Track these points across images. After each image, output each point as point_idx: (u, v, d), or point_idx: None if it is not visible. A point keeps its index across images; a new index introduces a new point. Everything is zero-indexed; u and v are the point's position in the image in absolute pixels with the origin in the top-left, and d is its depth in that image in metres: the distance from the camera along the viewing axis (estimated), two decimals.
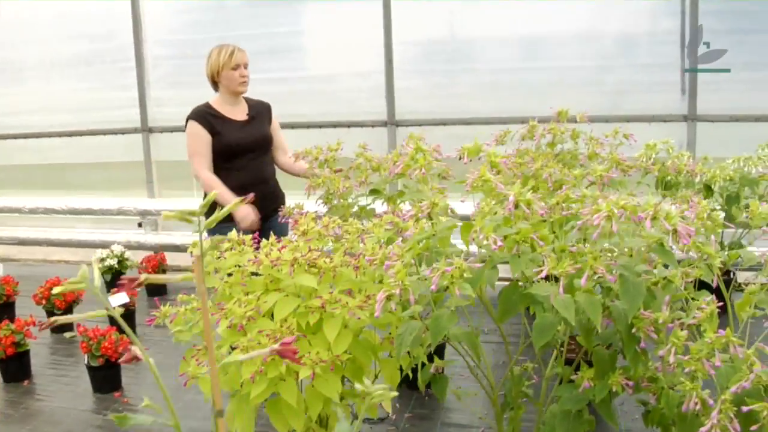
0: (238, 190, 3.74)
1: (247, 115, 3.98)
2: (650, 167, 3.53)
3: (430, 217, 1.88)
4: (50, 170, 7.17)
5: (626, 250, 1.77)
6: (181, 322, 2.35)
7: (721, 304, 1.87)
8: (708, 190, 4.33)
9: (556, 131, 3.29)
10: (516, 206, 1.79)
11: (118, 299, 4.79)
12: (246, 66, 3.91)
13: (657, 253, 1.66)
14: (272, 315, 2.21)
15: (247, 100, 4.06)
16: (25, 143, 6.92)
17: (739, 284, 4.68)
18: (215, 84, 3.94)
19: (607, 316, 1.86)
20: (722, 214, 4.47)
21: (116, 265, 5.85)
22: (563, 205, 2.28)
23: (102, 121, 6.69)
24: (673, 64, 5.24)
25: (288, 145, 4.17)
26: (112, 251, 5.89)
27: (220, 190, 3.65)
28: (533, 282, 1.86)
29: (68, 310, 5.12)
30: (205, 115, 3.87)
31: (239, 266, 2.34)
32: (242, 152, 3.88)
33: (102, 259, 5.85)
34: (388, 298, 1.72)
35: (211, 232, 3.67)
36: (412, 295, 1.71)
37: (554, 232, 2.18)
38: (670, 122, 5.27)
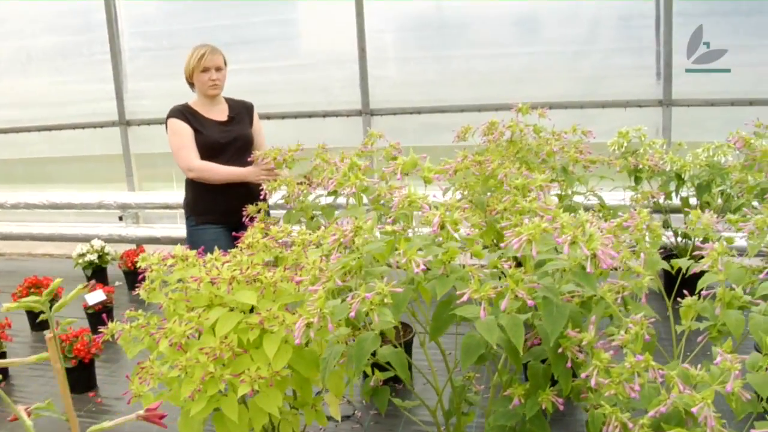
0: (217, 190, 3.83)
1: (228, 115, 3.94)
2: (612, 161, 3.48)
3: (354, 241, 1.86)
4: (31, 165, 7.15)
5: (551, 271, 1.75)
6: (127, 339, 2.34)
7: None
8: (679, 179, 4.31)
9: (515, 128, 3.25)
10: (442, 227, 1.77)
11: (95, 297, 4.80)
12: (218, 69, 3.84)
13: (577, 278, 1.64)
14: None
15: (228, 100, 4.01)
16: (5, 138, 6.89)
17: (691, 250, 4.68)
18: (190, 84, 3.92)
19: (535, 335, 1.86)
20: (695, 201, 4.52)
21: (97, 261, 5.85)
22: (507, 214, 2.27)
23: (80, 114, 6.65)
24: (649, 48, 5.19)
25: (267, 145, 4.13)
26: (92, 246, 5.88)
27: (222, 170, 3.78)
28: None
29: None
30: (185, 113, 3.84)
31: (183, 281, 2.34)
32: (222, 151, 3.84)
33: (82, 255, 5.85)
34: (308, 325, 1.71)
35: (198, 225, 3.94)
36: (330, 323, 1.69)
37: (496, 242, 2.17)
38: (645, 107, 5.22)
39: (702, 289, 2.01)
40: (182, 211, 6.25)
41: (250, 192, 3.77)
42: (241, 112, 4.03)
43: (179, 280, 2.39)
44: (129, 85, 6.42)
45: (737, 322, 1.88)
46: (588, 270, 1.60)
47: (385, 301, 1.68)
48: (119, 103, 6.40)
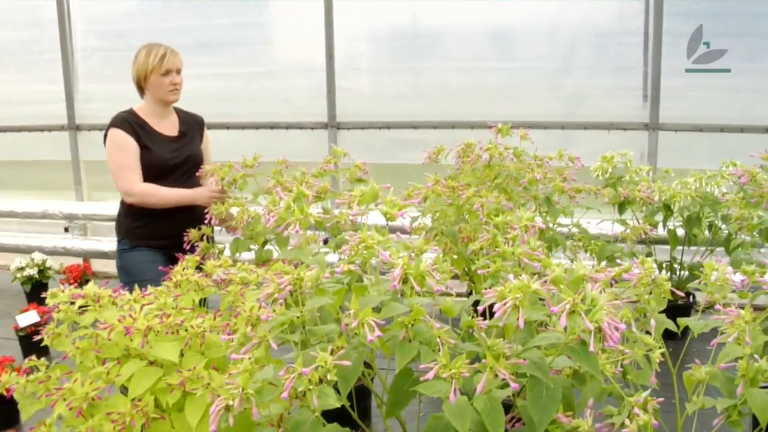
0: (160, 213, 3.37)
1: (179, 130, 3.50)
2: (600, 191, 3.13)
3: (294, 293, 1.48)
4: None
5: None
6: (23, 395, 1.94)
7: None
8: (667, 209, 4.00)
9: (494, 151, 2.90)
10: (404, 281, 1.40)
11: (27, 318, 4.38)
12: (179, 71, 3.41)
13: (575, 356, 1.28)
14: None
15: (179, 111, 3.58)
16: None
17: (703, 307, 4.38)
18: (141, 89, 3.44)
19: (516, 417, 1.50)
20: (682, 232, 4.21)
21: (37, 275, 5.40)
22: (484, 257, 1.91)
23: (28, 116, 6.18)
24: (636, 68, 4.87)
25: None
26: (32, 260, 5.43)
27: (168, 194, 3.34)
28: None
29: None
30: (132, 124, 3.35)
31: (93, 327, 1.95)
32: (170, 172, 3.40)
33: (21, 268, 5.40)
34: (227, 408, 1.32)
35: (132, 248, 3.45)
36: (255, 408, 1.31)
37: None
38: (630, 130, 4.91)
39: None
40: None
41: (196, 216, 3.34)
42: (193, 127, 3.60)
43: (95, 323, 2.00)
44: (81, 86, 5.97)
45: (764, 404, 1.53)
46: (590, 348, 1.24)
47: (329, 377, 1.31)
48: (69, 106, 5.95)
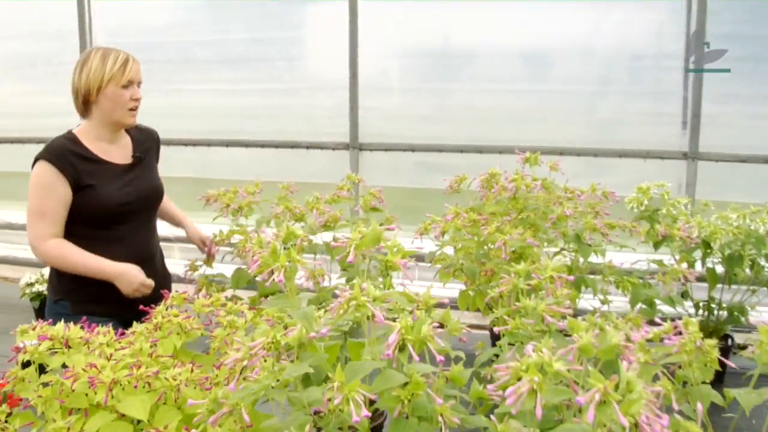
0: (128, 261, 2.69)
1: (133, 156, 2.79)
2: (635, 230, 2.87)
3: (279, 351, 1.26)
4: None
5: None
6: None
7: None
8: (707, 247, 3.72)
9: (520, 183, 2.65)
10: (401, 348, 1.17)
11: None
12: (139, 85, 2.74)
13: None
14: None
15: (131, 129, 2.85)
16: None
17: (739, 346, 4.08)
18: (86, 105, 2.71)
19: None
20: (720, 269, 3.92)
21: (46, 292, 5.23)
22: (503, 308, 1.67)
23: (49, 128, 5.98)
24: (675, 93, 4.58)
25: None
26: (41, 275, 5.27)
27: (81, 261, 2.59)
28: None
29: None
30: (67, 156, 2.62)
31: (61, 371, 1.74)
32: (124, 216, 2.71)
33: (30, 284, 5.24)
34: None
35: (73, 315, 2.42)
36: None
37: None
38: (667, 159, 4.62)
39: None
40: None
41: (159, 272, 2.82)
42: (150, 148, 2.90)
43: (64, 367, 1.79)
44: None
45: None
46: None
47: None
48: None
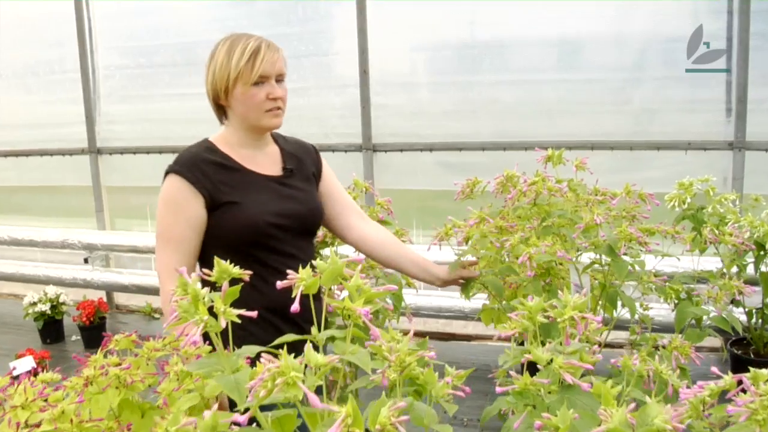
0: (270, 313, 1.99)
1: (283, 167, 2.21)
2: (680, 235, 2.46)
3: None
4: None
5: None
6: None
7: None
8: (761, 248, 3.30)
9: (540, 188, 2.27)
10: None
11: (24, 364, 3.97)
12: (281, 78, 2.11)
13: None
14: None
15: (277, 138, 2.29)
16: None
17: None
18: (221, 109, 2.16)
19: None
20: None
21: (49, 312, 4.99)
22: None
23: (52, 139, 5.81)
24: (717, 78, 4.16)
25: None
26: (45, 294, 5.03)
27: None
28: None
29: None
30: (200, 165, 2.07)
31: None
32: (273, 237, 2.10)
33: (33, 304, 5.00)
34: None
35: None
36: None
37: None
38: (711, 150, 4.18)
39: None
40: (153, 256, 5.38)
41: (320, 307, 1.99)
42: (305, 161, 2.30)
43: None
44: (102, 107, 5.55)
45: None
46: None
47: None
48: (89, 128, 5.53)
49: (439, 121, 4.71)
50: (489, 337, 4.64)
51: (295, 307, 1.11)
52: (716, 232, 2.73)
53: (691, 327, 2.58)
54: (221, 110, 2.15)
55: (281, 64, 2.08)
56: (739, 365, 3.67)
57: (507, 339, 1.35)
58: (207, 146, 2.12)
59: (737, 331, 2.59)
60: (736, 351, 3.66)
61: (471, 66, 4.66)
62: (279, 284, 1.18)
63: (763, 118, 4.09)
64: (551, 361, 1.14)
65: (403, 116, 4.79)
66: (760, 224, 3.19)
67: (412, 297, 3.96)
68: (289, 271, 1.17)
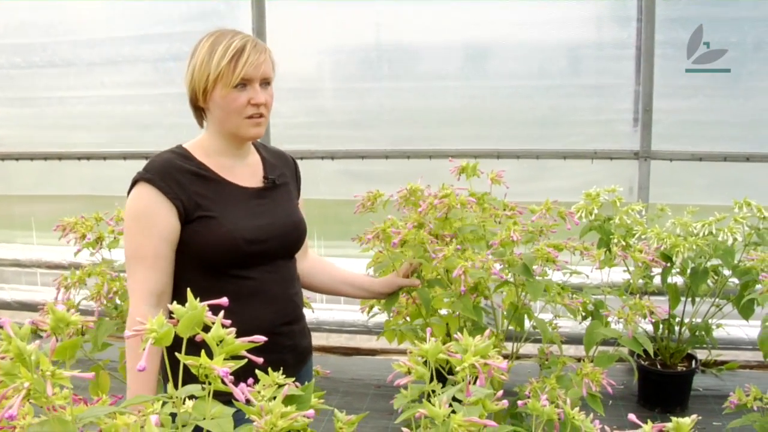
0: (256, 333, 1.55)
1: (264, 177, 1.98)
2: (590, 251, 2.33)
3: None
4: None
5: None
6: None
7: None
8: (667, 260, 3.25)
9: (452, 202, 2.09)
10: None
11: None
12: (267, 82, 1.86)
13: None
14: None
15: (259, 147, 2.05)
16: None
17: (703, 363, 3.61)
18: (199, 111, 1.92)
19: None
20: (680, 280, 3.46)
21: None
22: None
23: None
24: (625, 86, 4.10)
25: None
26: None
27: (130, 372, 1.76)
28: None
29: None
30: (173, 173, 1.81)
31: None
32: (252, 258, 1.88)
33: None
34: None
35: None
36: None
37: None
38: (617, 159, 4.14)
39: None
40: (40, 270, 4.92)
41: (302, 331, 2.02)
42: (285, 173, 2.06)
43: None
44: None
45: None
46: None
47: None
48: None
49: (340, 129, 4.52)
50: (395, 351, 4.46)
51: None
52: (624, 245, 2.64)
53: (602, 345, 2.46)
54: (200, 113, 1.92)
55: (267, 66, 1.86)
56: (646, 376, 3.63)
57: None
58: (181, 153, 1.87)
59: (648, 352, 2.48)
60: (643, 362, 3.62)
61: (375, 71, 4.49)
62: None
63: (667, 129, 4.08)
64: (449, 415, 0.95)
65: (304, 123, 4.57)
66: (666, 236, 3.14)
67: (315, 312, 3.77)
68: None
